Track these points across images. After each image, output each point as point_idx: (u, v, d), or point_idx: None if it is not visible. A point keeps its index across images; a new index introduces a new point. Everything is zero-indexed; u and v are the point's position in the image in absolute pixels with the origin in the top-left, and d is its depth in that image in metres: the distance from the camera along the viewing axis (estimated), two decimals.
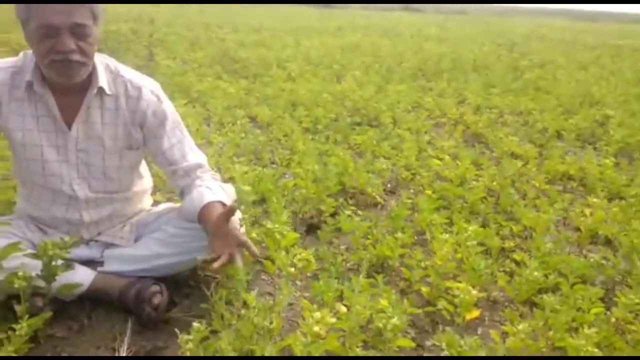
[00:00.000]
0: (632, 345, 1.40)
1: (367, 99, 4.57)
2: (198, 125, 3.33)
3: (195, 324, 1.20)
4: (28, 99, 1.51)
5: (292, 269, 1.45)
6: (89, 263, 1.63)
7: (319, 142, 3.32)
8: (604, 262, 1.91)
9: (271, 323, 1.20)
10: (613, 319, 1.49)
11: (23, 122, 1.52)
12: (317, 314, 1.16)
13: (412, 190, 2.65)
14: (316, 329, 1.10)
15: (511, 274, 1.87)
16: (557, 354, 1.36)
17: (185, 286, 1.72)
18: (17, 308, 1.30)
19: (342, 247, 2.04)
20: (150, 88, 1.63)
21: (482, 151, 3.34)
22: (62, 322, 1.50)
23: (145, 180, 1.83)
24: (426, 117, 4.13)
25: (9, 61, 1.54)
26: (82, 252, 1.64)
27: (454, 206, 2.35)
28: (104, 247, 1.69)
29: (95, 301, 1.58)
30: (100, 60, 1.56)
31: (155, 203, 1.93)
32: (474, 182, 2.59)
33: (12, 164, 1.71)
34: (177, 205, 1.82)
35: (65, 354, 1.41)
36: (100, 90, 1.54)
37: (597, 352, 1.23)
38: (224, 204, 1.58)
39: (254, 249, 1.47)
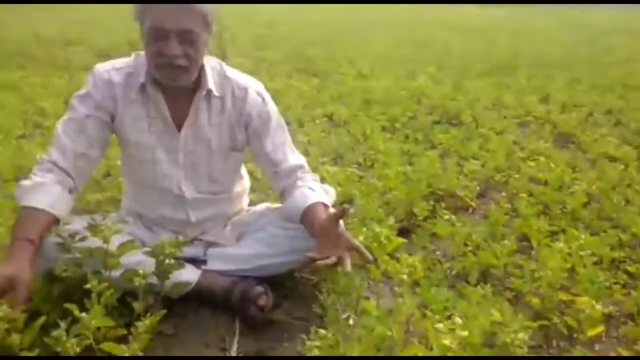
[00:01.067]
0: None
1: (444, 96, 4.45)
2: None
3: (321, 331, 1.17)
4: (141, 100, 1.55)
5: (405, 276, 1.40)
6: (192, 261, 1.65)
7: (399, 141, 3.26)
8: None
9: (391, 332, 1.16)
10: None
11: (136, 123, 1.56)
12: (441, 325, 1.12)
13: (503, 194, 2.53)
14: (446, 342, 1.05)
15: (624, 286, 1.74)
16: None
17: (282, 287, 1.71)
18: (136, 305, 1.32)
19: (438, 252, 1.97)
20: (255, 89, 1.63)
21: (575, 153, 3.16)
22: (170, 319, 1.52)
23: (244, 181, 1.85)
24: (509, 115, 3.95)
25: (122, 62, 1.58)
26: (187, 250, 1.64)
27: (553, 212, 2.23)
28: (207, 246, 1.72)
29: (199, 299, 1.60)
30: (208, 62, 1.58)
31: (251, 203, 1.95)
32: (574, 186, 2.44)
33: (121, 163, 1.76)
34: (276, 205, 1.82)
35: (176, 352, 1.43)
36: (209, 92, 1.56)
37: None
38: (326, 205, 1.57)
39: (367, 253, 1.44)
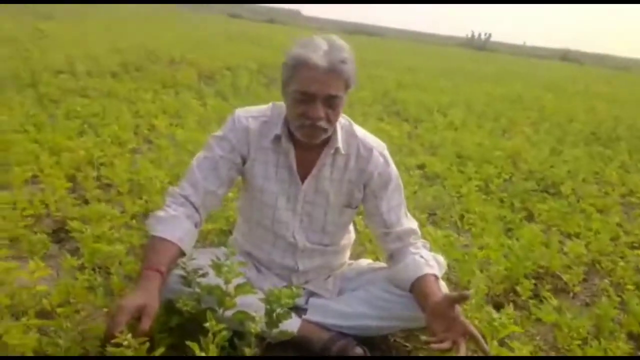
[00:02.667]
0: None
1: (542, 161, 4.30)
2: None
3: None
4: (273, 149, 1.61)
5: None
6: (293, 309, 1.68)
7: (494, 205, 3.17)
8: None
9: None
10: None
11: (265, 170, 1.62)
12: None
13: (607, 280, 2.39)
14: None
15: None
16: None
17: (376, 349, 1.69)
18: (247, 350, 1.35)
19: (538, 337, 1.88)
20: (379, 150, 1.66)
21: None
22: None
23: (351, 234, 1.86)
24: (612, 192, 3.75)
25: (260, 110, 1.66)
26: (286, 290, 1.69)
27: None
28: (308, 295, 1.73)
29: (296, 347, 1.61)
30: (340, 120, 1.62)
31: (351, 255, 1.95)
32: None
33: (240, 202, 1.82)
34: (379, 264, 1.82)
35: None
36: (336, 149, 1.60)
37: None
38: (437, 277, 1.55)
39: (485, 345, 1.40)
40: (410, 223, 1.68)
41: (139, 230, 2.15)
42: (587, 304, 2.23)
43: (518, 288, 2.06)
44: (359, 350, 1.53)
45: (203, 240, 2.13)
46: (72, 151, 2.85)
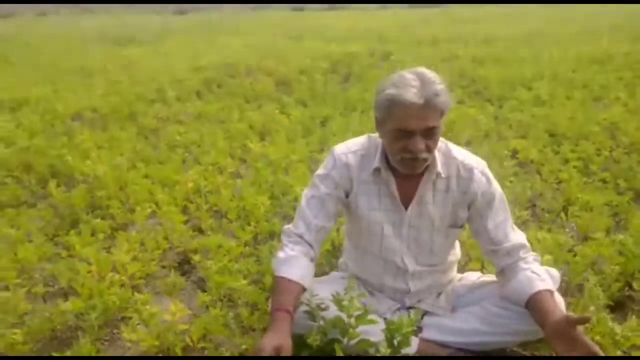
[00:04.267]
0: None
1: None
2: None
3: None
4: (374, 181, 1.70)
5: None
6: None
7: (597, 188, 3.05)
8: None
9: None
10: None
11: (369, 201, 1.71)
12: None
13: None
14: None
15: None
16: None
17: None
18: None
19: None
20: (480, 169, 1.68)
21: None
22: None
23: (457, 251, 1.91)
24: None
25: (357, 144, 1.74)
26: (405, 315, 1.78)
27: None
28: (422, 314, 1.80)
29: None
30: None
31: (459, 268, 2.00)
32: None
33: (347, 230, 1.92)
34: (489, 278, 1.85)
35: None
36: (437, 174, 1.65)
37: None
38: (552, 292, 1.56)
39: None
40: (518, 237, 1.69)
41: (252, 256, 2.33)
42: None
43: (634, 284, 2.00)
44: None
45: None
46: (182, 184, 3.10)
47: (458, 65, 7.75)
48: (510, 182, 3.16)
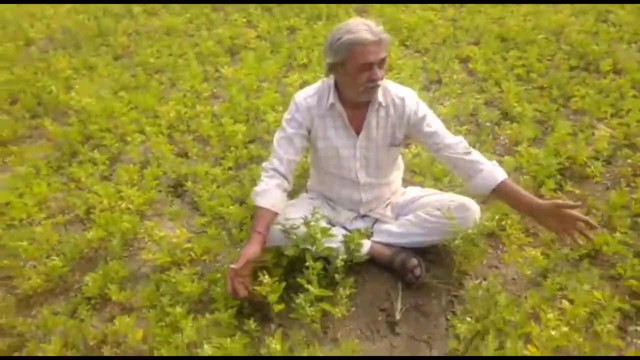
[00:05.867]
0: None
1: (587, 31, 4.40)
2: (419, 85, 3.70)
3: (468, 319, 1.74)
4: (330, 115, 2.11)
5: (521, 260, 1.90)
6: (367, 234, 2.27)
7: (534, 97, 3.48)
8: None
9: (514, 317, 1.70)
10: None
11: (326, 132, 2.13)
12: (550, 316, 1.63)
13: (631, 168, 2.75)
14: (554, 333, 1.57)
15: None
16: None
17: (430, 253, 2.27)
18: (337, 277, 1.98)
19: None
20: (410, 96, 2.11)
21: None
22: (353, 276, 2.17)
23: (400, 167, 2.38)
24: None
25: (313, 88, 2.14)
26: (359, 224, 2.29)
27: None
28: (373, 222, 2.32)
29: (369, 262, 2.23)
30: None
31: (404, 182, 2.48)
32: None
33: (311, 159, 2.36)
34: (425, 191, 2.34)
35: (358, 299, 2.09)
36: (379, 104, 2.07)
37: None
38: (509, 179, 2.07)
39: (592, 221, 1.88)
40: (455, 137, 2.12)
41: (235, 180, 2.77)
42: (607, 188, 2.66)
43: (542, 189, 2.52)
44: (414, 262, 2.12)
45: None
46: (164, 112, 3.44)
47: None
48: (459, 94, 3.58)
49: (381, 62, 1.93)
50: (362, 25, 1.89)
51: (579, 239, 1.90)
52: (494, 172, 2.05)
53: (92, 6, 6.13)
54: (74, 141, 3.27)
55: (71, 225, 2.66)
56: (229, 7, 5.99)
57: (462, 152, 2.09)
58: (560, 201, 1.94)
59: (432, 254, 2.26)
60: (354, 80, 1.96)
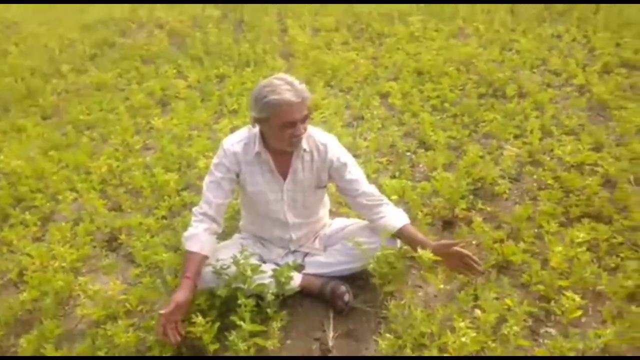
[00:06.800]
0: None
1: (494, 60, 4.82)
2: (342, 122, 3.93)
3: (387, 335, 1.88)
4: (256, 162, 2.25)
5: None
6: (296, 267, 2.39)
7: (448, 124, 3.76)
8: None
9: (431, 329, 1.86)
10: None
11: (253, 178, 2.26)
12: (462, 324, 1.80)
13: (535, 183, 3.03)
14: (464, 339, 1.73)
15: (616, 268, 2.31)
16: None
17: (359, 279, 2.41)
18: (269, 310, 2.09)
19: (474, 242, 2.59)
20: (332, 142, 2.29)
21: (607, 126, 3.56)
22: (287, 309, 2.27)
23: (326, 206, 2.54)
24: (552, 82, 4.30)
25: (240, 135, 2.28)
26: (290, 259, 2.41)
27: (571, 200, 2.75)
28: (304, 255, 2.45)
29: (302, 294, 2.33)
30: None
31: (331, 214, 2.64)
32: (594, 169, 2.94)
33: (241, 201, 2.47)
34: (350, 221, 2.50)
35: (293, 332, 2.19)
36: (303, 150, 2.23)
37: None
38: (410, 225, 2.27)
39: (476, 258, 2.12)
40: (370, 187, 2.31)
41: (169, 228, 2.84)
42: (516, 204, 2.92)
43: (456, 210, 2.75)
44: (343, 289, 2.25)
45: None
46: (96, 168, 3.47)
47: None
48: (379, 128, 3.82)
49: (304, 119, 2.09)
50: (285, 86, 2.05)
51: (468, 274, 2.15)
52: (396, 219, 2.24)
53: (19, 67, 6.09)
54: (4, 204, 3.24)
55: (4, 289, 2.63)
56: (159, 60, 6.11)
57: (376, 201, 2.28)
58: (445, 241, 2.17)
59: (361, 280, 2.40)
60: (277, 135, 2.13)
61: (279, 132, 2.11)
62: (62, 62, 6.17)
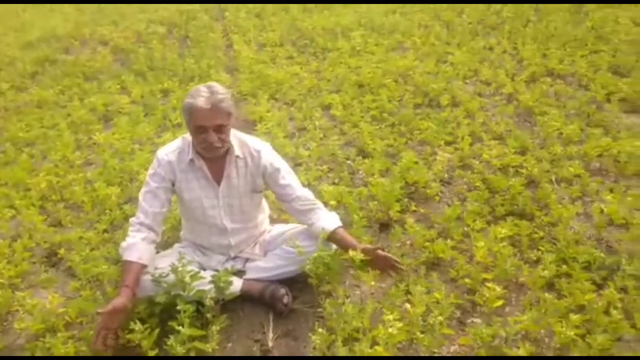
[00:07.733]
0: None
1: (429, 72, 5.05)
2: (285, 133, 4.04)
3: (320, 330, 1.97)
4: (190, 169, 2.31)
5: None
6: (236, 273, 2.46)
7: (386, 133, 3.93)
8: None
9: (362, 323, 1.97)
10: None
11: (189, 184, 2.32)
12: (390, 317, 1.91)
13: (465, 185, 3.23)
14: (391, 330, 1.84)
15: (537, 261, 2.50)
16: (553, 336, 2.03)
17: (298, 282, 2.48)
18: (208, 315, 2.14)
19: (408, 242, 2.73)
20: (265, 149, 2.38)
21: (532, 130, 3.82)
22: (228, 313, 2.32)
23: (264, 210, 2.62)
24: (483, 91, 4.56)
25: (174, 145, 2.34)
26: (231, 265, 2.47)
27: (496, 200, 2.94)
28: (244, 261, 2.52)
29: (244, 299, 2.40)
30: (234, 135, 2.31)
31: (272, 220, 2.72)
32: (519, 171, 3.16)
33: (179, 209, 2.53)
34: (289, 226, 2.59)
35: (234, 335, 2.25)
36: (236, 156, 2.30)
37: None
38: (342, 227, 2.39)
39: (398, 259, 2.32)
40: (305, 192, 2.41)
41: (111, 242, 2.85)
42: (448, 205, 3.08)
43: (390, 212, 2.89)
44: (282, 291, 2.33)
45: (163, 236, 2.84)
46: (35, 184, 3.43)
47: (289, 17, 8.22)
48: (320, 138, 3.95)
49: (218, 128, 2.16)
50: (205, 92, 2.14)
51: (392, 273, 2.33)
52: (327, 222, 2.36)
53: None
54: None
55: None
56: (103, 76, 6.06)
57: (309, 205, 2.39)
58: (365, 246, 2.33)
59: (300, 282, 2.48)
60: (194, 138, 2.22)
61: (194, 136, 2.21)
62: (0, 80, 6.01)
